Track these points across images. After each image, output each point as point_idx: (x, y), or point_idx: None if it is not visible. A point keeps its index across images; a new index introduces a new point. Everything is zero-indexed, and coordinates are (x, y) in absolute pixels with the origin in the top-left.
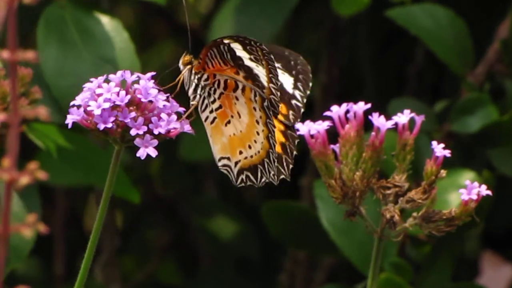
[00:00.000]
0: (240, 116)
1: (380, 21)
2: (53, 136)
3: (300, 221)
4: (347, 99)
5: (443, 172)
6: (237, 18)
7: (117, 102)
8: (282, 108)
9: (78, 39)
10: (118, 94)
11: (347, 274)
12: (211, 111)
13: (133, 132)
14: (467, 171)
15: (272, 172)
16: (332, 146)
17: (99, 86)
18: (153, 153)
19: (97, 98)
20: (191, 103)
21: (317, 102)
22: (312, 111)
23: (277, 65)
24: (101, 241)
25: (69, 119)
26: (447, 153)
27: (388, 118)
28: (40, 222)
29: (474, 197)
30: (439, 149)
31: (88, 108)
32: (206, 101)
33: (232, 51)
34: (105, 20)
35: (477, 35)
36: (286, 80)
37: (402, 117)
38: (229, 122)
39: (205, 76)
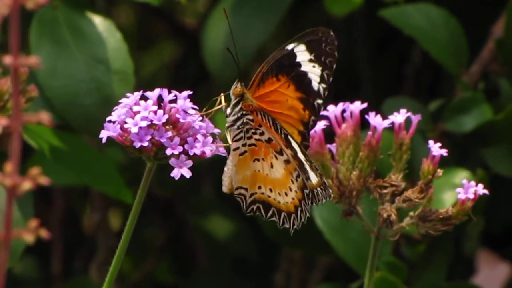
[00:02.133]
0: (272, 167)
1: (377, 20)
2: (47, 136)
3: None
4: (344, 99)
5: (439, 171)
6: (232, 18)
7: (155, 121)
8: (306, 115)
9: (71, 39)
10: (155, 112)
11: (344, 274)
12: (244, 145)
13: (168, 151)
14: (462, 170)
15: (295, 225)
16: (328, 145)
17: (136, 103)
18: (187, 174)
19: (133, 115)
20: (226, 130)
21: None
22: None
23: (310, 57)
24: (97, 241)
25: (104, 134)
26: (444, 152)
27: (383, 117)
28: (41, 227)
29: (471, 196)
30: (436, 148)
31: (125, 125)
32: (241, 134)
33: (288, 138)
34: (98, 20)
35: (472, 35)
36: (314, 75)
37: (399, 117)
38: (258, 160)
39: (250, 117)
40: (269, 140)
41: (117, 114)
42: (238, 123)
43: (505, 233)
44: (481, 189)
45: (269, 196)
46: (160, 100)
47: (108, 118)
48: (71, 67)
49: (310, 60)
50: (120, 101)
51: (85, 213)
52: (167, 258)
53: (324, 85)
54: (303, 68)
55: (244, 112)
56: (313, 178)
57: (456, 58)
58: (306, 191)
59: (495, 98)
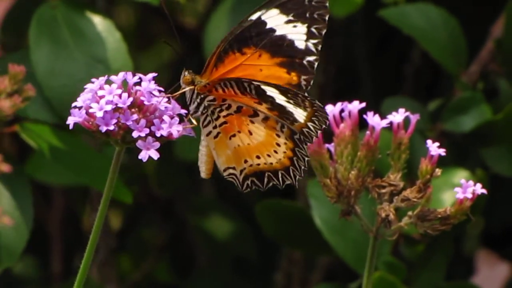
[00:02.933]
0: (251, 134)
1: (376, 20)
2: (46, 136)
3: (294, 220)
4: (343, 99)
5: (438, 171)
6: (232, 18)
7: (120, 105)
8: (293, 77)
9: (70, 39)
10: (120, 96)
11: (343, 274)
12: (215, 127)
13: (135, 134)
14: (461, 170)
15: (297, 176)
16: (327, 145)
17: (101, 88)
18: (155, 155)
19: (99, 99)
20: (191, 117)
21: None
22: None
23: (288, 18)
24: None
25: (71, 120)
26: (442, 152)
27: (382, 117)
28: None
29: (469, 195)
30: (434, 148)
31: (90, 110)
32: (208, 118)
33: (261, 90)
34: (97, 20)
35: (471, 34)
36: (298, 34)
37: (397, 116)
38: (234, 135)
39: (210, 97)
40: (239, 109)
41: (82, 99)
42: (201, 108)
43: (504, 233)
44: (480, 189)
45: (259, 164)
46: (125, 84)
47: (73, 104)
48: (70, 66)
49: (289, 21)
50: (85, 86)
51: (84, 213)
52: (167, 258)
53: (314, 40)
54: (278, 32)
55: (202, 96)
56: (300, 116)
57: (455, 58)
58: (296, 136)
59: (494, 98)
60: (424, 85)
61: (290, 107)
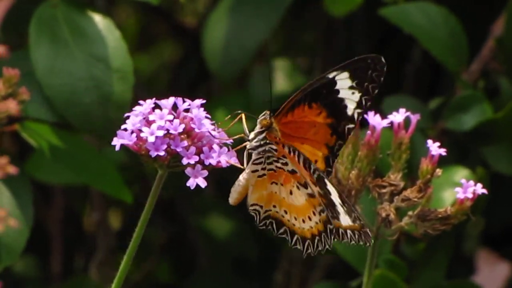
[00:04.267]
0: (291, 194)
1: (377, 19)
2: (46, 135)
3: None
4: None
5: (438, 171)
6: (232, 18)
7: (171, 131)
8: (332, 139)
9: (70, 37)
10: (171, 121)
11: (344, 272)
12: (263, 169)
13: (184, 161)
14: (461, 168)
15: (320, 248)
16: None
17: (151, 112)
18: (203, 183)
19: (148, 124)
20: (246, 151)
21: None
22: None
23: (352, 84)
24: (96, 241)
25: (118, 142)
26: (443, 151)
27: (383, 116)
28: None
29: (470, 195)
30: (435, 148)
31: (141, 134)
32: (262, 159)
33: (322, 180)
34: (98, 18)
35: (472, 33)
36: (351, 100)
37: (398, 116)
38: (276, 183)
39: (274, 147)
40: (292, 172)
41: (131, 122)
42: (260, 149)
43: (504, 232)
44: (480, 189)
45: (283, 216)
46: (174, 109)
47: (122, 126)
48: (70, 65)
49: (351, 87)
50: (133, 109)
51: (85, 212)
52: (168, 258)
53: (359, 110)
54: (340, 95)
55: (267, 141)
56: (345, 221)
57: (456, 57)
58: (330, 226)
59: (495, 96)
60: (425, 84)
61: (340, 209)
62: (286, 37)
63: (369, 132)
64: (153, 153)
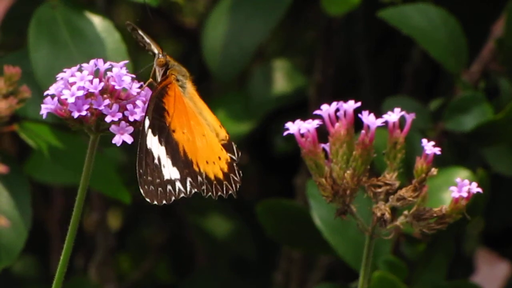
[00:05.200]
0: None
1: (376, 20)
2: (45, 135)
3: (294, 219)
4: (343, 98)
5: (434, 170)
6: (231, 17)
7: (91, 90)
8: None
9: (69, 39)
10: (91, 82)
11: (343, 273)
12: None
13: (108, 119)
14: (462, 169)
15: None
16: (322, 144)
17: (72, 75)
18: (129, 139)
19: (70, 87)
20: None
21: (312, 101)
22: (306, 111)
23: None
24: (95, 241)
25: (43, 109)
26: (437, 150)
27: (381, 116)
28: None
29: (465, 194)
30: (429, 147)
31: (62, 97)
32: None
33: None
34: (97, 20)
35: (472, 34)
36: None
37: (393, 115)
38: None
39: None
40: None
41: (54, 87)
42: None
43: (504, 232)
44: (475, 188)
45: None
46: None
47: (45, 93)
48: (69, 67)
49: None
50: (57, 76)
51: (84, 212)
52: (166, 258)
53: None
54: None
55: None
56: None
57: (456, 58)
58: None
59: (495, 97)
60: (424, 85)
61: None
62: (286, 37)
63: (363, 131)
64: (75, 114)
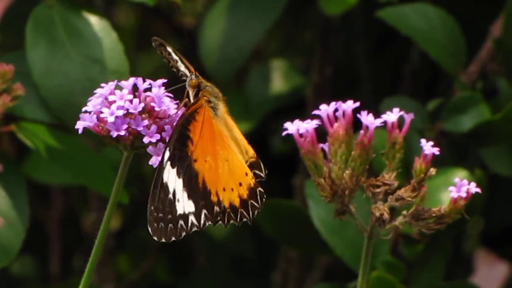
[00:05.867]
0: None
1: (375, 20)
2: (43, 136)
3: (293, 219)
4: (342, 98)
5: (432, 170)
6: (229, 17)
7: (131, 110)
8: None
9: (66, 39)
10: (131, 101)
11: (342, 273)
12: None
13: (146, 140)
14: (460, 170)
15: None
16: (321, 145)
17: (111, 93)
18: None
19: (109, 105)
20: None
21: (310, 101)
22: (304, 111)
23: None
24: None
25: (80, 125)
26: (436, 151)
27: (380, 116)
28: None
29: (464, 194)
30: (428, 147)
31: (101, 115)
32: None
33: None
34: (94, 20)
35: (470, 34)
36: None
37: (391, 116)
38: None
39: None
40: None
41: (92, 104)
42: None
43: (503, 232)
44: (474, 188)
45: None
46: (135, 90)
47: (83, 109)
48: (66, 66)
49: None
50: (95, 91)
51: (83, 212)
52: (165, 258)
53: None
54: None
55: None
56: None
57: (454, 58)
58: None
59: (493, 97)
60: (423, 85)
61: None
62: (284, 37)
63: (362, 131)
64: (114, 133)
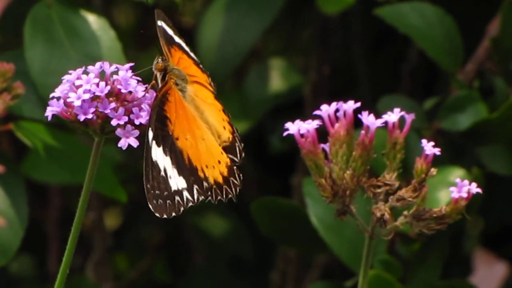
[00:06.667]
0: None
1: (373, 19)
2: (41, 134)
3: (290, 218)
4: (340, 98)
5: (433, 171)
6: (227, 16)
7: (97, 93)
8: (206, 78)
9: (65, 37)
10: (97, 85)
11: (339, 272)
12: None
13: (114, 122)
14: (457, 168)
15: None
16: (322, 145)
17: (78, 78)
18: (135, 143)
19: (76, 89)
20: None
21: (308, 100)
22: (302, 110)
23: (172, 30)
24: (93, 240)
25: (49, 111)
26: (437, 151)
27: (379, 115)
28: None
29: (464, 195)
30: (429, 147)
31: (68, 100)
32: None
33: None
34: (92, 18)
35: (467, 33)
36: (185, 45)
37: (392, 116)
38: None
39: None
40: None
41: (60, 90)
42: None
43: (502, 232)
44: (475, 188)
45: None
46: (102, 74)
47: (51, 95)
48: (65, 65)
49: (174, 34)
50: (62, 78)
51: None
52: (164, 257)
53: (193, 54)
54: (176, 40)
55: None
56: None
57: (451, 57)
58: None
59: (490, 96)
60: (421, 84)
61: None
62: (282, 36)
63: (363, 132)
64: (81, 117)
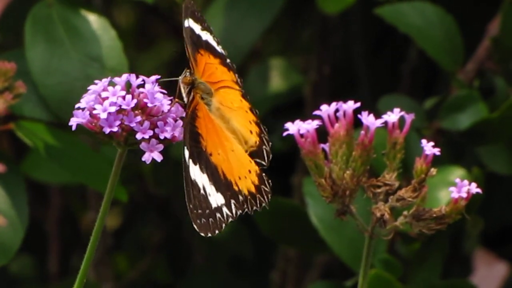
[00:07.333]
0: None
1: (373, 19)
2: (41, 134)
3: (290, 218)
4: (340, 98)
5: (433, 171)
6: (227, 15)
7: (123, 106)
8: (233, 76)
9: (65, 37)
10: (124, 98)
11: (340, 272)
12: None
13: (139, 136)
14: (457, 168)
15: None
16: (322, 145)
17: (104, 89)
18: (158, 157)
19: (102, 101)
20: None
21: (308, 100)
22: (302, 110)
23: (199, 26)
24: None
25: (74, 122)
26: (437, 151)
27: (379, 115)
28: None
29: (464, 195)
30: (429, 148)
31: (94, 112)
32: None
33: None
34: (93, 18)
35: (467, 33)
36: (212, 40)
37: (392, 116)
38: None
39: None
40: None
41: (85, 100)
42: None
43: (502, 231)
44: (474, 188)
45: None
46: (128, 86)
47: (77, 105)
48: (65, 64)
49: (202, 29)
50: (88, 88)
51: (82, 211)
52: (164, 257)
53: (220, 46)
54: (204, 38)
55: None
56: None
57: (451, 56)
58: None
59: (490, 96)
60: (421, 84)
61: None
62: (282, 36)
63: (363, 132)
64: (107, 130)
